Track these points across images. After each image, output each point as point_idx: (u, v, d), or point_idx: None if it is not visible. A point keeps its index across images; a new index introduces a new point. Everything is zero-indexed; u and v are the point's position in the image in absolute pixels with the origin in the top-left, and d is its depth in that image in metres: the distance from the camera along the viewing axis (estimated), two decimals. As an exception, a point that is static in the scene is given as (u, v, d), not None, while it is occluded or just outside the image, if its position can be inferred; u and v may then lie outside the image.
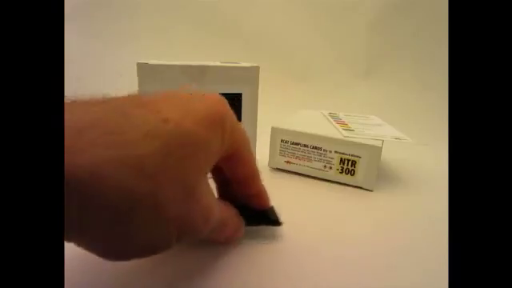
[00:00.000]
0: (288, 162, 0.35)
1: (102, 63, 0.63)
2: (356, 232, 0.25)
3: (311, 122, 0.38)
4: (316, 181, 0.34)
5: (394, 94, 0.66)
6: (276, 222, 0.23)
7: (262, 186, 0.21)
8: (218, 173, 0.21)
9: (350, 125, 0.37)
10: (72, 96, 0.14)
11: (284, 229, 0.24)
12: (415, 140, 0.33)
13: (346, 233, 0.25)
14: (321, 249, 0.23)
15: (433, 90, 0.63)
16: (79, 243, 0.13)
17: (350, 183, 0.33)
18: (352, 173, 0.32)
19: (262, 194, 0.21)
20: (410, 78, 0.67)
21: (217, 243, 0.21)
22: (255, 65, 0.31)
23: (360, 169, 0.32)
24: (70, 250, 0.13)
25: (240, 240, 0.22)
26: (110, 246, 0.13)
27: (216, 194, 0.21)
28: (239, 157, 0.18)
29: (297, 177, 0.35)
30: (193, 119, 0.14)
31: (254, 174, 0.20)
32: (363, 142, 0.31)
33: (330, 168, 0.33)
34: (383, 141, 0.32)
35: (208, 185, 0.16)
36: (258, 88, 0.32)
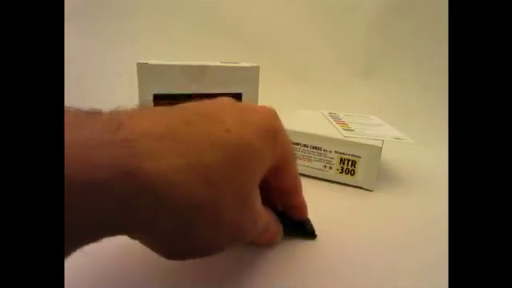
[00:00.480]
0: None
1: (101, 63, 0.62)
2: (356, 232, 0.25)
3: (311, 122, 0.38)
4: (316, 181, 0.34)
5: (394, 94, 0.65)
6: (311, 233, 0.24)
7: (303, 199, 0.22)
8: (263, 181, 0.21)
9: (350, 125, 0.37)
10: (135, 106, 0.14)
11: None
12: (415, 140, 0.33)
13: (346, 233, 0.25)
14: (321, 248, 0.23)
15: (433, 90, 0.63)
16: (143, 241, 0.14)
17: (350, 183, 0.33)
18: (352, 173, 0.32)
19: (302, 206, 0.22)
20: (409, 78, 0.67)
21: (257, 245, 0.22)
22: (255, 65, 0.31)
23: (360, 169, 0.32)
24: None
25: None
26: (172, 247, 0.14)
27: None
28: (285, 168, 0.19)
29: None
30: (251, 130, 0.15)
31: (297, 187, 0.21)
32: (363, 141, 0.31)
33: (330, 168, 0.33)
34: (383, 141, 0.32)
35: (258, 192, 0.17)
36: (257, 88, 0.32)
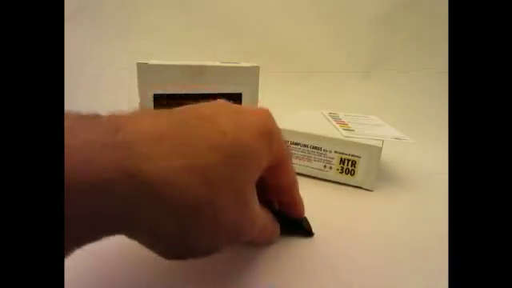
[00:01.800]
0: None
1: (102, 63, 0.62)
2: (356, 232, 0.25)
3: (311, 121, 0.38)
4: (316, 181, 0.34)
5: (394, 94, 0.65)
6: (308, 232, 0.24)
7: (300, 197, 0.22)
8: (258, 179, 0.22)
9: (349, 125, 0.37)
10: (134, 109, 0.15)
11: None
12: (415, 140, 0.33)
13: (346, 233, 0.25)
14: (320, 248, 0.23)
15: (433, 90, 0.63)
16: (142, 241, 0.14)
17: (350, 183, 0.33)
18: (352, 173, 0.32)
19: (298, 204, 0.22)
20: (410, 78, 0.67)
21: (254, 244, 0.22)
22: (255, 65, 0.31)
23: (360, 169, 0.32)
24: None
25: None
26: (170, 246, 0.14)
27: None
28: (281, 167, 0.20)
29: (297, 177, 0.35)
30: (246, 132, 0.16)
31: (293, 184, 0.21)
32: (363, 142, 0.31)
33: (330, 168, 0.33)
34: (383, 141, 0.32)
35: (255, 192, 0.17)
36: (257, 88, 0.32)
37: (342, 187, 0.33)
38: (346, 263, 0.21)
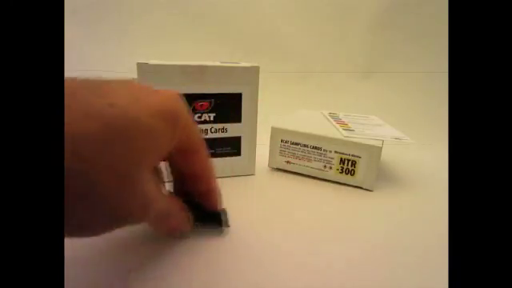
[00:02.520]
0: (288, 162, 0.35)
1: (101, 63, 0.62)
2: (356, 232, 0.25)
3: (311, 121, 0.38)
4: (316, 181, 0.34)
5: (394, 94, 0.65)
6: (224, 223, 0.23)
7: (216, 186, 0.22)
8: (175, 169, 0.22)
9: (350, 125, 0.37)
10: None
11: (283, 228, 0.24)
12: (415, 140, 0.33)
13: (346, 233, 0.25)
14: (321, 248, 0.23)
15: (433, 90, 0.63)
16: None
17: (350, 183, 0.33)
18: (352, 173, 0.32)
19: (213, 193, 0.22)
20: (410, 78, 0.67)
21: (161, 234, 0.22)
22: (255, 65, 0.31)
23: (360, 169, 0.32)
24: (71, 250, 0.13)
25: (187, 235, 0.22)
26: None
27: (172, 189, 0.22)
28: (194, 155, 0.19)
29: (297, 177, 0.35)
30: (140, 108, 0.15)
31: (206, 171, 0.21)
32: (363, 142, 0.31)
33: (330, 168, 0.33)
34: (383, 141, 0.32)
35: (151, 174, 0.16)
36: (257, 88, 0.32)
37: (342, 187, 0.33)
38: (346, 263, 0.21)
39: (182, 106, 0.17)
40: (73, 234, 0.14)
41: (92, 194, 0.13)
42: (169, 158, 0.20)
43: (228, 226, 0.24)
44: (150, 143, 0.15)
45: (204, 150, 0.20)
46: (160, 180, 0.20)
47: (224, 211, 0.24)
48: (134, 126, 0.14)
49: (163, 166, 0.21)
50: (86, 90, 0.14)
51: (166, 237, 0.22)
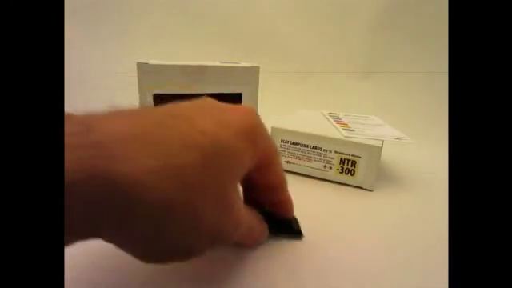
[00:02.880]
0: (288, 162, 0.35)
1: (101, 63, 0.62)
2: (356, 232, 0.25)
3: (311, 121, 0.38)
4: (316, 181, 0.34)
5: (394, 94, 0.66)
6: (297, 232, 0.24)
7: (289, 195, 0.22)
8: (245, 179, 0.21)
9: (349, 125, 0.37)
10: (110, 106, 0.14)
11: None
12: (415, 140, 0.33)
13: (346, 233, 0.25)
14: (321, 248, 0.23)
15: (433, 90, 0.63)
16: (119, 245, 0.14)
17: (350, 183, 0.33)
18: (352, 173, 0.32)
19: (287, 203, 0.22)
20: (410, 78, 0.67)
21: (242, 246, 0.22)
22: (255, 65, 0.31)
23: (360, 169, 0.32)
24: (70, 250, 0.13)
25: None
26: (147, 250, 0.14)
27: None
28: (269, 166, 0.19)
29: (297, 177, 0.35)
30: (228, 132, 0.15)
31: (281, 183, 0.21)
32: (363, 142, 0.31)
33: (330, 168, 0.33)
34: (383, 141, 0.32)
35: (238, 193, 0.17)
36: (257, 88, 0.32)
37: (342, 187, 0.33)
38: (345, 263, 0.21)
39: (260, 122, 0.18)
40: (177, 259, 0.15)
41: (197, 221, 0.14)
42: (249, 172, 0.20)
43: (302, 235, 0.24)
44: (239, 165, 0.16)
45: (278, 161, 0.20)
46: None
47: (295, 219, 0.24)
48: (227, 152, 0.15)
49: None
50: (173, 117, 0.15)
51: (246, 248, 0.22)
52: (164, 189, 0.13)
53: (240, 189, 0.20)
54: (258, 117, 0.18)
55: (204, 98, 0.18)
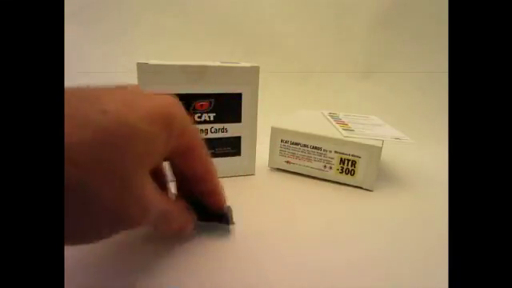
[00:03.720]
0: (288, 162, 0.35)
1: (102, 63, 0.62)
2: (356, 232, 0.25)
3: (311, 122, 0.38)
4: (316, 181, 0.34)
5: (394, 94, 0.66)
6: (227, 222, 0.23)
7: (219, 185, 0.22)
8: (176, 170, 0.22)
9: (349, 125, 0.37)
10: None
11: (284, 228, 0.24)
12: (415, 140, 0.34)
13: (346, 233, 0.25)
14: (321, 248, 0.23)
15: (433, 90, 0.63)
16: None
17: (350, 183, 0.33)
18: (352, 173, 0.32)
19: (216, 193, 0.22)
20: (410, 78, 0.67)
21: (163, 235, 0.22)
22: (255, 65, 0.31)
23: (360, 169, 0.32)
24: (71, 250, 0.13)
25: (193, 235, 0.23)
26: None
27: (174, 190, 0.22)
28: (192, 155, 0.19)
29: (297, 177, 0.35)
30: (135, 113, 0.15)
31: (207, 172, 0.21)
32: (363, 142, 0.31)
33: (330, 168, 0.33)
34: (383, 141, 0.32)
35: (149, 177, 0.16)
36: (257, 88, 0.32)
37: (342, 187, 0.33)
38: (345, 263, 0.21)
39: (178, 109, 0.18)
40: (74, 242, 0.14)
41: (91, 201, 0.13)
42: (170, 160, 0.20)
43: (233, 224, 0.23)
44: (144, 148, 0.15)
45: (204, 151, 0.20)
46: (163, 181, 0.20)
47: (229, 209, 0.24)
48: (127, 132, 0.14)
49: (166, 166, 0.21)
50: (78, 98, 0.14)
51: (170, 237, 0.22)
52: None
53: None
54: (177, 106, 0.18)
55: (129, 85, 0.17)
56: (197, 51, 0.66)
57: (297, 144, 0.34)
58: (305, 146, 0.33)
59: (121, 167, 0.14)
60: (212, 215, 0.23)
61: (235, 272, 0.20)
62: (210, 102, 0.30)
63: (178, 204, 0.21)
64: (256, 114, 0.33)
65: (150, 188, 0.16)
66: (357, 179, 0.32)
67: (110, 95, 0.15)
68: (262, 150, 0.35)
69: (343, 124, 0.37)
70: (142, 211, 0.16)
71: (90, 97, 0.14)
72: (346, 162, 0.32)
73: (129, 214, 0.15)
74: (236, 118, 0.32)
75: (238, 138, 0.33)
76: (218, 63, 0.31)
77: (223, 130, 0.32)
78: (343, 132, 0.33)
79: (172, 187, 0.22)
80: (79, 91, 0.15)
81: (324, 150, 0.33)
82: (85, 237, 0.15)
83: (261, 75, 0.32)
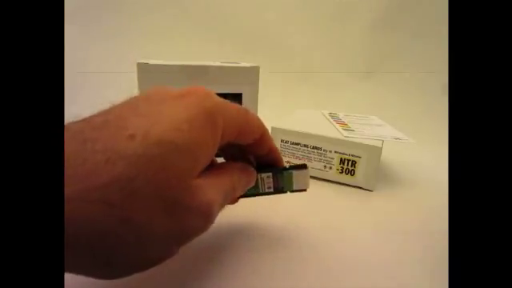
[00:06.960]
0: (288, 162, 0.35)
1: (102, 63, 0.62)
2: (356, 232, 0.25)
3: (311, 121, 0.38)
4: (316, 181, 0.34)
5: (394, 94, 0.66)
6: (303, 166, 0.22)
7: (274, 144, 0.21)
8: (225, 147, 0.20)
9: (349, 125, 0.37)
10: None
11: (284, 228, 0.24)
12: (415, 140, 0.34)
13: (346, 233, 0.25)
14: (321, 248, 0.23)
15: (433, 90, 0.63)
16: (78, 273, 0.13)
17: (350, 183, 0.33)
18: (352, 173, 0.32)
19: (274, 150, 0.21)
20: (410, 79, 0.67)
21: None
22: (255, 65, 0.31)
23: (360, 169, 0.32)
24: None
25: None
26: (104, 272, 0.13)
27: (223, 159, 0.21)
28: (243, 130, 0.18)
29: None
30: (164, 126, 0.13)
31: (265, 134, 0.19)
32: (363, 142, 0.31)
33: (330, 168, 0.33)
34: (383, 141, 0.32)
35: (200, 181, 0.15)
36: (257, 88, 0.32)
37: (342, 187, 0.33)
38: (345, 263, 0.21)
39: (215, 103, 0.16)
40: (134, 271, 0.14)
41: (145, 235, 0.13)
42: (223, 150, 0.19)
43: (306, 166, 0.22)
44: (191, 155, 0.14)
45: (255, 117, 0.19)
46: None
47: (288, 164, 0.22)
48: (161, 152, 0.13)
49: None
50: (97, 128, 0.13)
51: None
52: (89, 215, 0.11)
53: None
54: (209, 99, 0.16)
55: (136, 95, 0.16)
56: (197, 51, 0.66)
57: (297, 144, 0.34)
58: (305, 146, 0.33)
59: (165, 187, 0.13)
60: (279, 170, 0.21)
61: (233, 269, 0.20)
62: (210, 102, 0.30)
63: (233, 171, 0.18)
64: (256, 114, 0.33)
65: (205, 188, 0.15)
66: (357, 179, 0.32)
67: (131, 113, 0.14)
68: (262, 150, 0.35)
69: (343, 124, 0.37)
70: (205, 216, 0.15)
71: (110, 122, 0.13)
72: (346, 162, 0.32)
73: (190, 225, 0.14)
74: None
75: (238, 138, 0.33)
76: (218, 63, 0.31)
77: (223, 130, 0.32)
78: (343, 132, 0.33)
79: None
80: (92, 120, 0.13)
81: (324, 150, 0.33)
82: (152, 261, 0.14)
83: (261, 75, 0.32)
